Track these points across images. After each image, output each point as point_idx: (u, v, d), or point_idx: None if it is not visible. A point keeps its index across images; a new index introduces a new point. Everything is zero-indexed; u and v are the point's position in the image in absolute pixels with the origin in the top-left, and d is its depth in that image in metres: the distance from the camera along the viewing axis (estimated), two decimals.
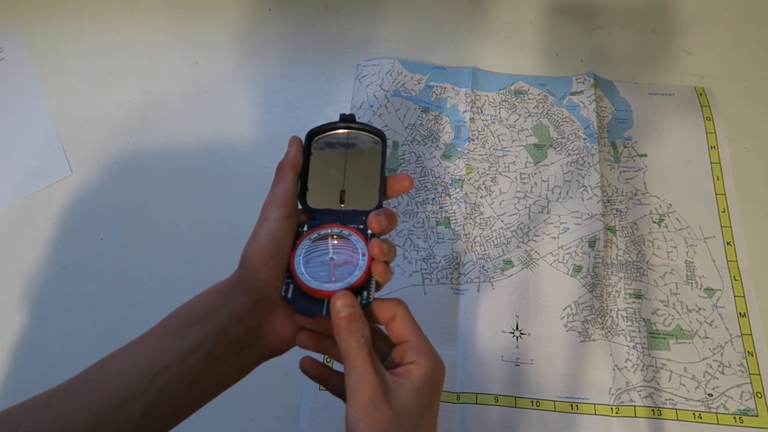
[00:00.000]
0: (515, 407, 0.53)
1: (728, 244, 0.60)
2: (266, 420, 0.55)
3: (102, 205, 0.66)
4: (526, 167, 0.65)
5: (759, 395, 0.53)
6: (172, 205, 0.65)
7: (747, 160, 0.65)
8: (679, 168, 0.64)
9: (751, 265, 0.59)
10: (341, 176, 0.42)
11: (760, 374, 0.54)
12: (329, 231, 0.39)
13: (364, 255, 0.37)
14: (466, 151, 0.65)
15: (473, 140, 0.66)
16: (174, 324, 0.36)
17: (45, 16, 0.78)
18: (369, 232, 0.39)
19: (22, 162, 0.69)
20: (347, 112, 0.43)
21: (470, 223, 0.62)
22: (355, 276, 0.36)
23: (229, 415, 0.55)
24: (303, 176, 0.41)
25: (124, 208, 0.65)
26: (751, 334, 0.56)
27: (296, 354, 0.54)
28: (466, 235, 0.61)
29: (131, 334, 0.37)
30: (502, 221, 0.62)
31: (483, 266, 0.60)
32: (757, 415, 0.53)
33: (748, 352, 0.55)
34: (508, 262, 0.60)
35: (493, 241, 0.61)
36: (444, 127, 0.67)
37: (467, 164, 0.64)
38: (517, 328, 0.57)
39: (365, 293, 0.37)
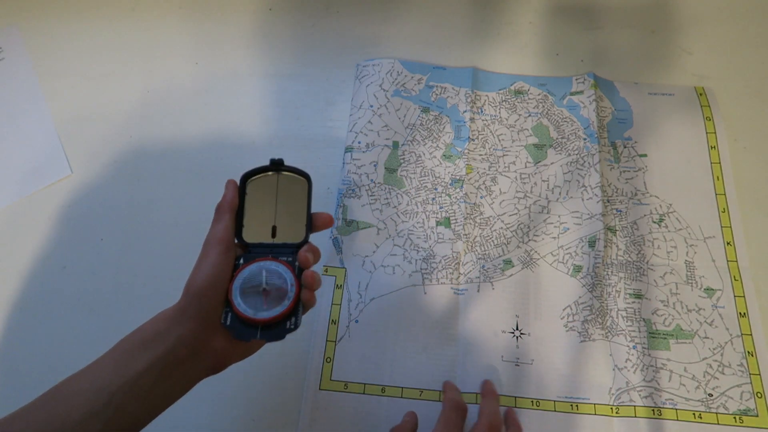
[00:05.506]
0: (515, 407, 0.53)
1: (728, 244, 0.60)
2: (266, 420, 0.55)
3: (102, 205, 0.66)
4: (526, 167, 0.65)
5: (759, 395, 0.53)
6: (172, 205, 0.65)
7: (747, 160, 0.65)
8: (679, 168, 0.64)
9: (751, 265, 0.59)
10: (273, 214, 0.47)
11: (760, 374, 0.54)
12: (262, 264, 0.43)
13: (292, 285, 0.42)
14: (466, 151, 0.65)
15: (473, 140, 0.66)
16: (128, 347, 0.40)
17: (45, 16, 0.78)
18: (297, 264, 0.44)
19: (22, 162, 0.69)
20: (275, 157, 0.48)
21: (470, 223, 0.62)
22: (285, 305, 0.42)
23: (229, 415, 0.55)
24: (239, 214, 0.46)
25: (124, 208, 0.65)
26: (751, 334, 0.56)
27: (296, 355, 0.54)
28: (466, 235, 0.61)
29: None
30: (502, 221, 0.62)
31: (483, 266, 0.60)
32: (757, 415, 0.53)
33: (748, 352, 0.55)
34: (508, 262, 0.60)
35: (493, 241, 0.61)
36: (444, 127, 0.67)
37: (467, 164, 0.64)
38: (517, 328, 0.57)
39: (293, 319, 0.42)
